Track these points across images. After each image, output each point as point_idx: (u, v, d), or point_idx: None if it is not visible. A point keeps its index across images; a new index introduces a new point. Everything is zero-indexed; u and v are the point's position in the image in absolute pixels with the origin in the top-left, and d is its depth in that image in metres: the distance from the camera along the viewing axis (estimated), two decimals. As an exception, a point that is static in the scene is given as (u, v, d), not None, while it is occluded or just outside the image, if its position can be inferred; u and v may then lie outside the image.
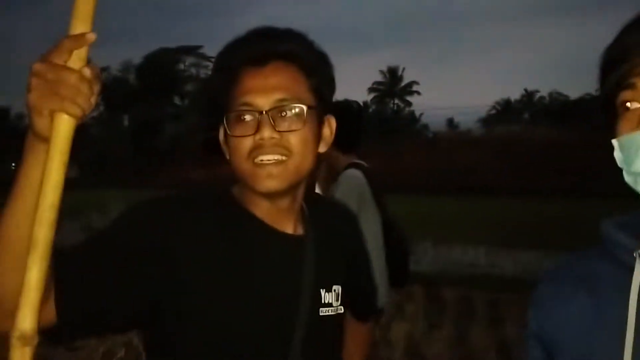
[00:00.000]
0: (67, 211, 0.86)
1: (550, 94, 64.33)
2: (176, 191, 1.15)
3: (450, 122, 66.65)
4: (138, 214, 1.06)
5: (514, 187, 24.39)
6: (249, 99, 1.04)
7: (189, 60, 57.87)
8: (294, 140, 1.03)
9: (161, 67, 53.90)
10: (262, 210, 1.09)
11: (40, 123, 0.79)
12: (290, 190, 1.07)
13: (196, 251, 1.01)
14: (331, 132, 1.13)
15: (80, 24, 0.80)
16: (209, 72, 1.15)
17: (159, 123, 49.41)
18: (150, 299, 1.00)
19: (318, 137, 1.09)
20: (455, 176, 26.94)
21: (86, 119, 0.83)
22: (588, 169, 25.27)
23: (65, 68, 0.79)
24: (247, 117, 1.03)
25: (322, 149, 1.11)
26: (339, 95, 3.26)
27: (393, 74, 64.31)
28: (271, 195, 1.06)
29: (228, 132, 1.05)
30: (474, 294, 7.12)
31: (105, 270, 0.96)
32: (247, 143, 1.02)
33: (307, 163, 1.06)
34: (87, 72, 0.80)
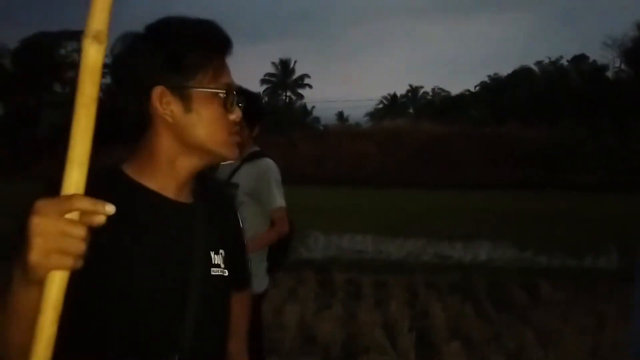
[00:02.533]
0: None
1: (433, 90, 67.21)
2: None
3: (341, 115, 67.88)
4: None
5: (400, 179, 25.38)
6: (230, 81, 1.21)
7: (72, 45, 54.68)
8: None
9: (40, 52, 50.46)
10: (161, 182, 1.19)
11: (38, 277, 0.77)
12: None
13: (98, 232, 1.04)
14: None
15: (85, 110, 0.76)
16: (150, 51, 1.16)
17: (37, 111, 46.38)
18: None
19: None
20: (345, 168, 27.60)
21: None
22: (466, 161, 26.87)
23: (70, 224, 0.76)
24: (223, 96, 1.18)
25: None
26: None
27: (285, 66, 64.40)
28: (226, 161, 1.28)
29: (218, 105, 1.18)
30: (361, 277, 7.47)
31: None
32: (227, 117, 1.19)
33: None
34: (89, 222, 0.78)
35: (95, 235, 0.97)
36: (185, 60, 1.16)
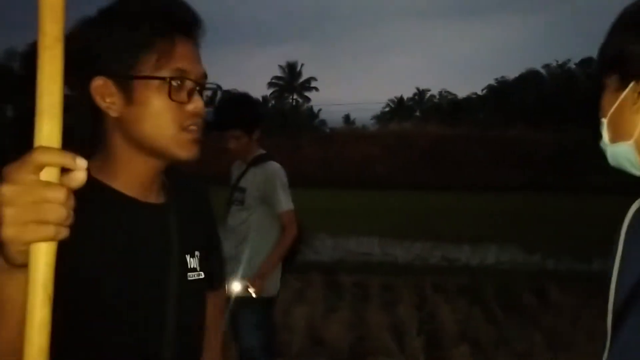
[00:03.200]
0: None
1: (440, 93, 67.18)
2: None
3: (347, 118, 67.89)
4: None
5: (406, 181, 25.32)
6: (186, 66, 1.03)
7: (79, 48, 54.93)
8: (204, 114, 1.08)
9: (48, 54, 50.74)
10: (127, 183, 1.07)
11: (18, 255, 0.66)
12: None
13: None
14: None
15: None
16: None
17: (45, 114, 46.70)
18: None
19: None
20: (351, 171, 27.57)
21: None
22: (473, 163, 26.80)
23: (44, 187, 0.64)
24: (177, 84, 1.02)
25: None
26: (241, 88, 3.44)
27: (292, 69, 64.51)
28: (188, 161, 1.07)
29: (164, 95, 1.02)
30: (369, 280, 7.45)
31: None
32: (181, 110, 1.02)
33: None
34: (67, 184, 0.66)
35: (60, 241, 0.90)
36: (122, 43, 1.01)
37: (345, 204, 18.31)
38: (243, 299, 3.01)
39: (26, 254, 0.65)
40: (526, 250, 10.17)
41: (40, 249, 0.65)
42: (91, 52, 1.02)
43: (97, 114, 1.05)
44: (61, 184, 0.65)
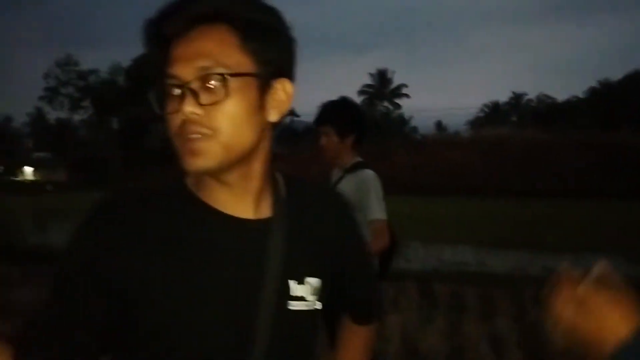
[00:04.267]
0: (57, 213, 0.90)
1: (538, 97, 64.79)
2: (126, 189, 1.01)
3: (439, 124, 66.91)
4: (73, 251, 0.96)
5: (501, 188, 24.56)
6: (173, 70, 0.90)
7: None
8: (219, 114, 0.89)
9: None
10: (216, 196, 0.97)
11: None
12: (228, 168, 0.93)
13: (145, 260, 0.92)
14: (287, 97, 0.96)
15: None
16: None
17: (148, 124, 49.16)
18: (111, 328, 0.94)
19: (261, 106, 0.93)
20: (444, 177, 27.09)
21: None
22: (574, 170, 25.56)
23: None
24: (175, 91, 0.91)
25: (274, 117, 0.96)
26: (331, 97, 3.41)
27: (382, 77, 64.47)
28: (205, 174, 0.94)
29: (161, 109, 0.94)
30: (465, 290, 7.24)
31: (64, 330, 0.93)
32: (176, 119, 0.90)
33: (243, 137, 0.92)
34: None
35: (149, 263, 0.92)
36: (147, 54, 0.96)
37: (438, 212, 17.99)
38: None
39: None
40: (632, 261, 9.55)
41: None
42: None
43: None
44: None
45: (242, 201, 0.97)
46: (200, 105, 0.88)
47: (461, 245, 11.07)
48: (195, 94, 0.88)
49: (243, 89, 0.90)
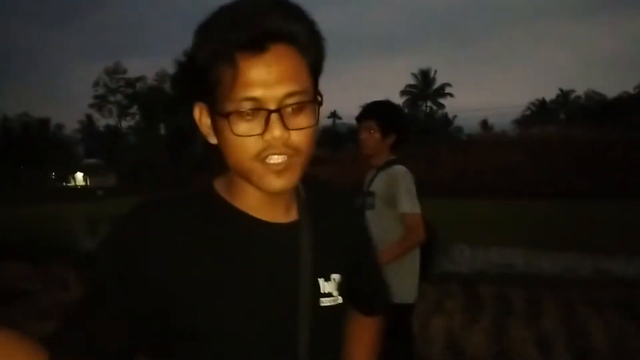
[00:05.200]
0: (109, 218, 0.95)
1: (586, 93, 63.10)
2: (156, 195, 1.03)
3: (485, 123, 65.89)
4: (107, 253, 0.97)
5: (552, 189, 24.02)
6: (254, 93, 0.89)
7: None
8: (304, 137, 0.93)
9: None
10: (250, 202, 1.01)
11: None
12: None
13: (180, 265, 0.94)
14: (321, 104, 0.98)
15: None
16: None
17: (194, 130, 50.03)
18: (147, 333, 0.96)
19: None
20: (490, 178, 26.66)
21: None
22: (627, 170, 24.77)
23: None
24: (252, 114, 0.90)
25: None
26: (374, 98, 3.47)
27: (425, 77, 63.90)
28: (284, 192, 0.98)
29: (230, 129, 0.92)
30: (511, 292, 7.15)
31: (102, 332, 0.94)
32: (255, 142, 0.91)
33: (312, 153, 0.97)
34: None
35: (184, 267, 0.93)
36: (199, 66, 0.92)
37: (484, 214, 17.75)
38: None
39: None
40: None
41: None
42: (189, 77, 0.97)
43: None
44: None
45: (275, 207, 1.02)
46: (287, 129, 0.90)
47: (508, 247, 10.90)
48: (282, 118, 0.90)
49: (315, 112, 0.94)
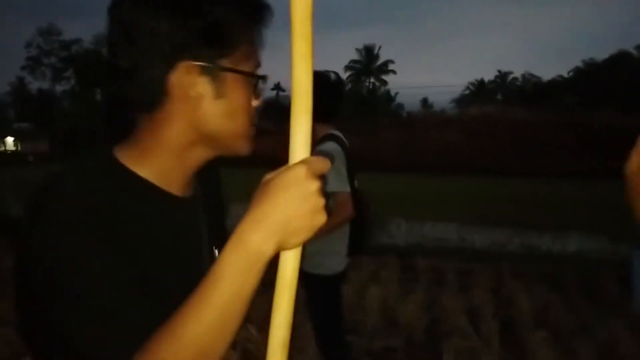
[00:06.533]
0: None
1: (523, 75, 64.95)
2: (53, 171, 0.94)
3: (425, 101, 66.92)
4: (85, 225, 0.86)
5: (487, 167, 24.75)
6: (260, 60, 0.98)
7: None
8: None
9: (135, 40, 52.87)
10: (160, 175, 0.97)
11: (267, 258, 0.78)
12: None
13: (95, 236, 0.85)
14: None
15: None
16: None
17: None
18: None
19: None
20: (429, 155, 27.22)
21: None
22: (557, 149, 25.82)
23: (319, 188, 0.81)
24: (256, 80, 0.98)
25: None
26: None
27: (369, 53, 64.14)
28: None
29: (251, 90, 0.96)
30: (445, 264, 7.39)
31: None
32: (251, 107, 0.97)
33: None
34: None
35: (107, 242, 0.85)
36: (225, 31, 0.90)
37: (422, 189, 18.13)
38: (310, 277, 3.09)
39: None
40: (612, 240, 9.76)
41: (290, 254, 0.77)
42: (181, 33, 0.88)
43: (158, 98, 0.92)
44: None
45: (185, 179, 1.01)
46: None
47: (444, 222, 11.19)
48: None
49: None
